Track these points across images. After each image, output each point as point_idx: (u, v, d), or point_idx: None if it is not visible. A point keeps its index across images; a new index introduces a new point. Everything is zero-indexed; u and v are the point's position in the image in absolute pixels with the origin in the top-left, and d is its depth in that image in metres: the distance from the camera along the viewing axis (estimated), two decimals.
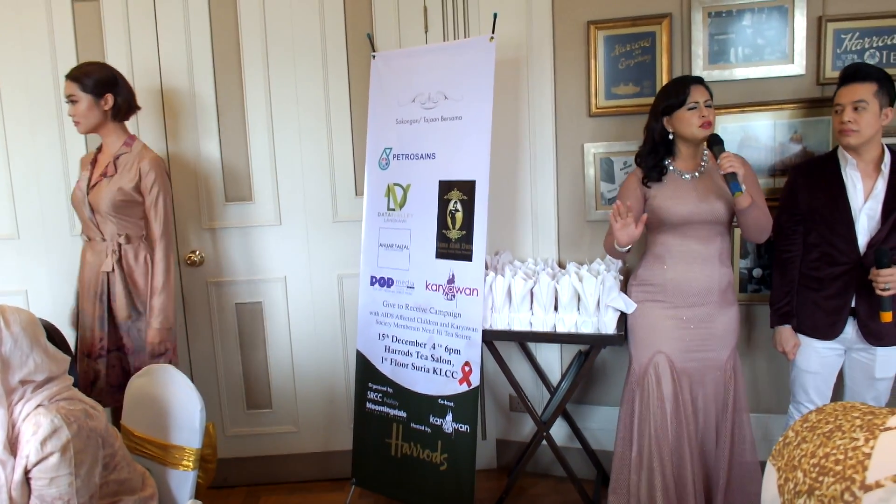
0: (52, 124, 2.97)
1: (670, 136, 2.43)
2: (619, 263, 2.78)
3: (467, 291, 2.62)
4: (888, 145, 2.34)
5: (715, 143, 2.35)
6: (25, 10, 2.92)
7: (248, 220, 3.10)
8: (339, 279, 3.15)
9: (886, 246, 2.27)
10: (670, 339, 2.43)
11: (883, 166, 2.30)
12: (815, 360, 2.45)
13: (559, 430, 3.03)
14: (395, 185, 2.82)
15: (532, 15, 2.90)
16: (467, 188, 2.62)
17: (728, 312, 2.47)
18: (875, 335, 2.34)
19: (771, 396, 2.92)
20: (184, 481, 2.02)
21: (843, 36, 2.63)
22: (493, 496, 2.97)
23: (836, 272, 2.37)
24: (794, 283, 2.48)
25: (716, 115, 2.44)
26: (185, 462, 2.01)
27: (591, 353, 2.62)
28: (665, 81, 2.76)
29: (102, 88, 2.56)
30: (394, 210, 2.82)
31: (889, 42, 2.60)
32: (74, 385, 1.77)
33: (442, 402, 2.70)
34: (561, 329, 2.58)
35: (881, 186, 2.30)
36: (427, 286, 2.72)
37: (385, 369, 2.85)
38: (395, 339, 2.83)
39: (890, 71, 2.34)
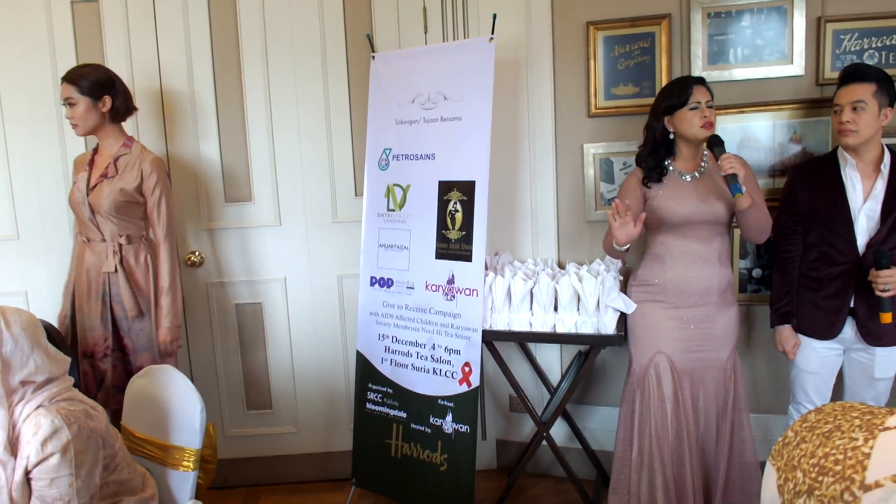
0: (52, 125, 2.97)
1: (671, 136, 2.43)
2: (619, 264, 2.78)
3: (467, 292, 2.63)
4: (888, 145, 2.34)
5: (716, 144, 2.35)
6: (25, 11, 2.92)
7: (247, 221, 3.11)
8: (338, 280, 3.15)
9: (885, 246, 2.27)
10: (671, 340, 2.43)
11: (882, 167, 2.30)
12: (815, 359, 2.46)
13: (559, 431, 3.04)
14: (394, 185, 2.82)
15: (531, 15, 2.90)
16: (467, 189, 2.62)
17: (728, 312, 2.47)
18: (874, 335, 2.34)
19: (771, 396, 2.93)
20: (184, 482, 2.02)
21: (842, 36, 2.63)
22: (493, 496, 2.97)
23: (835, 272, 2.37)
24: (793, 283, 2.49)
25: (716, 116, 2.44)
26: (185, 463, 2.01)
27: (590, 353, 2.62)
28: (664, 82, 2.76)
29: (100, 90, 2.56)
30: (393, 210, 2.82)
31: (888, 42, 2.61)
32: (75, 386, 1.77)
33: (442, 402, 2.70)
34: (561, 329, 2.58)
35: (881, 187, 2.30)
36: (427, 287, 2.72)
37: (385, 370, 2.85)
38: (394, 339, 2.83)
39: (889, 71, 2.34)
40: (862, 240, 2.32)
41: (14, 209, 3.04)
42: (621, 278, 2.63)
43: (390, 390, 2.83)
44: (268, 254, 3.12)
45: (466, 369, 2.63)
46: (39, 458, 1.56)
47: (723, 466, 2.46)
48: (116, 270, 2.60)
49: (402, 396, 2.80)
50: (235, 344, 3.18)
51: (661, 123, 2.42)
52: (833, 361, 2.46)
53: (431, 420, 2.72)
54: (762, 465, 1.46)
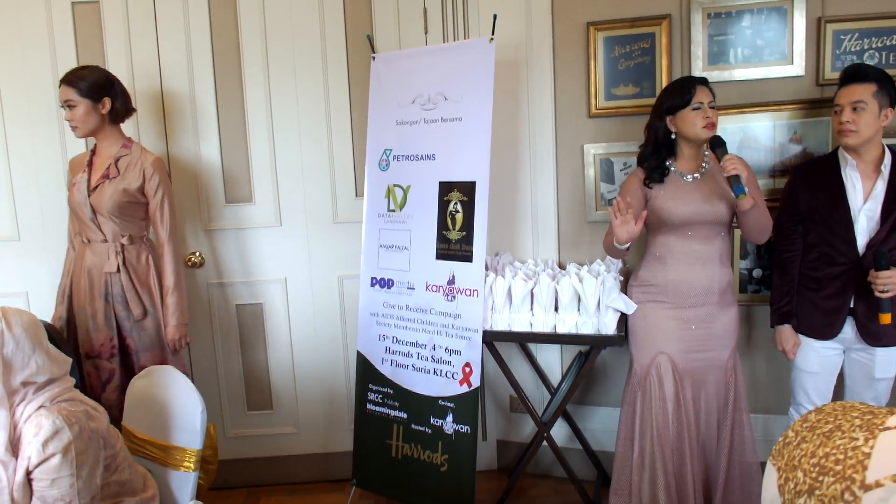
0: (52, 126, 2.98)
1: (673, 136, 2.43)
2: (619, 264, 2.78)
3: (468, 292, 2.63)
4: (889, 146, 2.34)
5: (718, 145, 2.35)
6: (25, 12, 2.92)
7: (248, 222, 3.11)
8: (339, 280, 3.15)
9: (885, 247, 2.27)
10: (672, 340, 2.43)
11: (883, 167, 2.30)
12: (815, 360, 2.46)
13: (559, 431, 3.04)
14: (395, 186, 2.82)
15: (531, 16, 2.90)
16: (467, 189, 2.62)
17: (728, 312, 2.47)
18: (873, 336, 2.34)
19: (771, 396, 2.93)
20: (185, 482, 2.02)
21: (842, 37, 2.64)
22: (493, 497, 2.97)
23: (835, 272, 2.37)
24: (793, 283, 2.49)
25: (718, 117, 2.44)
26: (186, 463, 2.01)
27: (591, 353, 2.62)
28: (665, 82, 2.76)
29: (99, 92, 2.57)
30: (394, 211, 2.83)
31: (888, 43, 2.61)
32: (77, 387, 1.77)
33: (442, 402, 2.70)
34: (561, 330, 2.58)
35: (881, 187, 2.30)
36: (427, 287, 2.73)
37: (385, 370, 2.85)
38: (395, 340, 2.83)
39: (889, 71, 2.34)
40: (862, 240, 2.32)
41: (14, 210, 3.04)
42: (622, 279, 2.63)
43: (391, 391, 2.83)
44: (268, 254, 3.12)
45: (467, 370, 2.63)
46: (41, 459, 1.56)
47: (723, 466, 2.46)
48: (119, 270, 2.60)
49: (403, 397, 2.80)
50: (236, 344, 3.19)
51: (664, 123, 2.42)
52: (833, 361, 2.46)
53: (432, 420, 2.72)
54: (763, 465, 1.46)
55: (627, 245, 2.36)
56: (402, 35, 2.99)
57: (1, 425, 1.59)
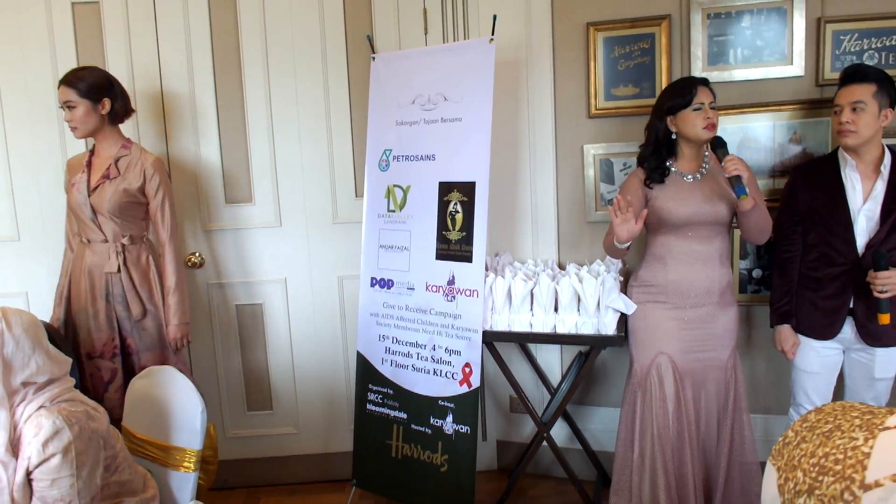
0: (52, 126, 2.98)
1: (673, 137, 2.43)
2: (619, 264, 2.78)
3: (467, 293, 2.63)
4: (889, 146, 2.34)
5: (719, 146, 2.35)
6: (25, 12, 2.92)
7: (247, 222, 3.11)
8: (339, 280, 3.15)
9: (885, 247, 2.27)
10: (672, 340, 2.43)
11: (882, 168, 2.30)
12: (815, 360, 2.46)
13: (559, 431, 3.04)
14: (395, 186, 2.83)
15: (531, 16, 2.90)
16: (467, 189, 2.63)
17: (728, 312, 2.48)
18: (873, 336, 2.34)
19: (771, 397, 2.93)
20: (185, 483, 2.02)
21: (841, 37, 2.64)
22: (493, 497, 2.97)
23: (835, 273, 2.37)
24: (793, 283, 2.49)
25: (718, 117, 2.44)
26: (186, 463, 2.01)
27: (591, 353, 2.62)
28: (664, 83, 2.76)
29: (99, 93, 2.57)
30: (394, 211, 2.83)
31: (888, 43, 2.61)
32: (79, 387, 1.77)
33: (442, 403, 2.70)
34: (561, 330, 2.58)
35: (880, 188, 2.30)
36: (427, 287, 2.73)
37: (385, 370, 2.85)
38: (395, 340, 2.83)
39: (889, 72, 2.34)
40: (861, 240, 2.32)
41: (14, 210, 3.04)
42: (621, 279, 2.63)
43: (391, 391, 2.84)
44: (268, 255, 3.13)
45: (467, 370, 2.63)
46: (41, 459, 1.56)
47: (723, 466, 2.46)
48: (119, 270, 2.61)
49: (403, 397, 2.80)
50: (236, 345, 3.19)
51: (664, 124, 2.42)
52: (833, 361, 2.46)
53: (432, 421, 2.72)
54: (762, 465, 1.46)
55: (628, 244, 2.36)
56: (402, 35, 3.00)
57: (1, 425, 1.59)
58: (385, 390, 2.85)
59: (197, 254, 3.08)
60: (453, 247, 2.66)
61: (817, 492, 0.79)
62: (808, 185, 2.43)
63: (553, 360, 3.13)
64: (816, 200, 2.40)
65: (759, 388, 2.93)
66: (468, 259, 2.62)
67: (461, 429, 2.65)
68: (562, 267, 2.98)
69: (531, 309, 2.61)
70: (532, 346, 3.12)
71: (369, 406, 2.90)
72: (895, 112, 2.29)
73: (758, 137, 2.76)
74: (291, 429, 3.26)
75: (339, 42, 3.01)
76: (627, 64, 2.85)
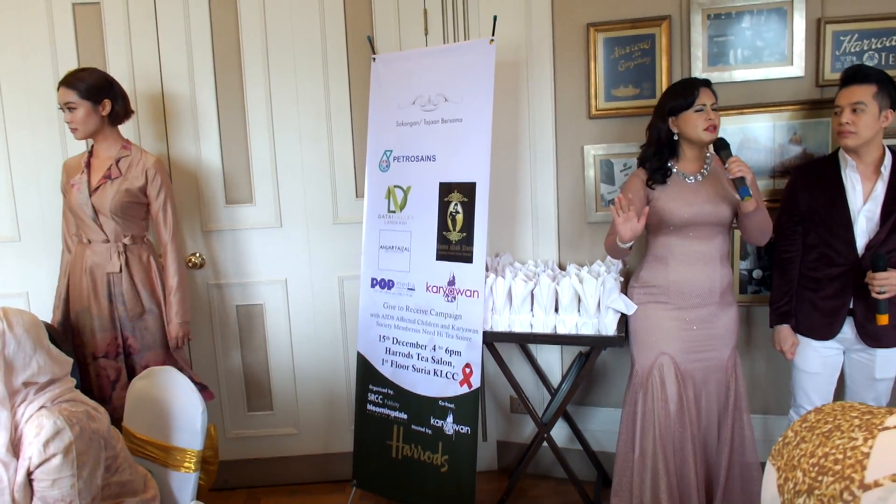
0: (53, 127, 2.98)
1: (675, 138, 2.43)
2: (619, 265, 2.78)
3: (468, 293, 2.63)
4: (889, 147, 2.34)
5: (722, 147, 2.34)
6: (26, 12, 2.92)
7: (248, 223, 3.11)
8: (339, 281, 3.15)
9: (885, 248, 2.27)
10: (674, 341, 2.44)
11: (883, 168, 2.30)
12: (816, 360, 2.46)
13: (560, 432, 3.04)
14: (395, 187, 2.83)
15: (532, 17, 2.91)
16: (467, 190, 2.63)
17: (728, 312, 2.48)
18: (872, 336, 2.34)
19: (771, 397, 2.93)
20: (185, 483, 2.02)
21: (841, 38, 2.64)
22: (493, 498, 2.97)
23: (834, 273, 2.37)
24: (793, 283, 2.49)
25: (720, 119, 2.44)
26: (186, 464, 2.01)
27: (591, 354, 2.62)
28: (665, 84, 2.77)
29: (99, 94, 2.57)
30: (394, 212, 2.83)
31: (888, 44, 2.61)
32: (86, 388, 1.78)
33: (442, 403, 2.70)
34: (561, 330, 2.58)
35: (880, 188, 2.30)
36: (427, 288, 2.73)
37: (386, 371, 2.85)
38: (395, 340, 2.83)
39: (889, 72, 2.33)
40: (861, 241, 2.32)
41: (15, 211, 3.04)
42: (622, 279, 2.63)
43: (391, 391, 2.84)
44: (268, 255, 3.13)
45: (467, 370, 2.64)
46: (42, 459, 1.57)
47: (724, 466, 2.46)
48: (121, 270, 2.61)
49: (403, 398, 2.80)
50: (236, 345, 3.19)
51: (666, 125, 2.42)
52: (834, 362, 2.46)
53: (432, 421, 2.73)
54: (763, 465, 1.46)
55: (630, 244, 2.36)
56: (403, 36, 3.00)
57: (2, 426, 1.60)
58: (385, 391, 2.85)
59: (197, 254, 3.08)
60: (454, 247, 2.66)
61: (817, 492, 0.79)
62: (809, 186, 2.43)
63: (553, 361, 3.13)
64: (816, 201, 2.40)
65: (759, 389, 2.93)
66: (468, 259, 2.63)
67: (461, 429, 2.65)
68: (562, 267, 2.98)
69: (531, 309, 2.61)
70: (532, 347, 3.12)
71: (369, 406, 2.90)
72: (895, 113, 2.29)
73: (758, 138, 2.76)
74: (292, 429, 3.26)
75: (339, 43, 3.01)
76: (628, 65, 2.85)
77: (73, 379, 1.77)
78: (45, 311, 2.82)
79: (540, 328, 2.60)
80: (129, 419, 2.16)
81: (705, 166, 2.46)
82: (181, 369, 2.63)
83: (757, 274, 2.84)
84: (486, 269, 2.67)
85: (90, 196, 2.60)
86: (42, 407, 1.63)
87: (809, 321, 2.45)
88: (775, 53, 2.71)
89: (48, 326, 2.37)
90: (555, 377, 3.12)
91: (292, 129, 3.06)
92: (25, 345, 1.63)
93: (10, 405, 1.61)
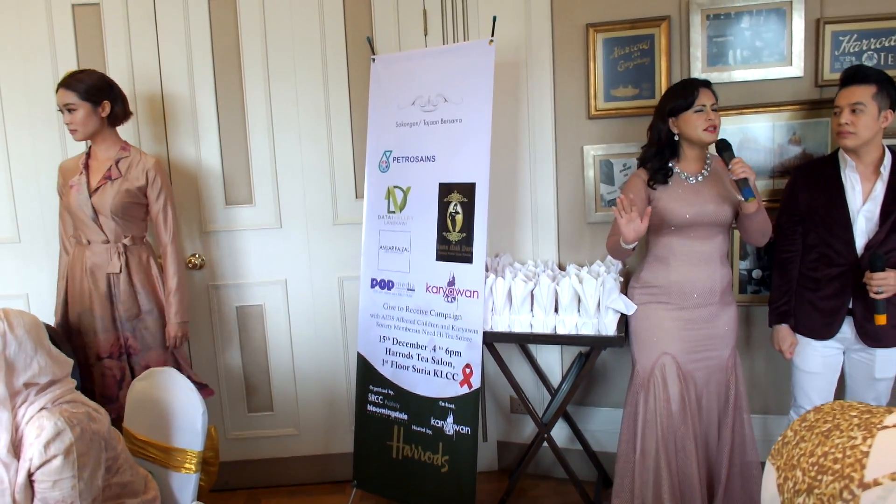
0: (52, 128, 2.98)
1: (675, 138, 2.43)
2: (619, 265, 2.78)
3: (468, 293, 2.63)
4: (889, 147, 2.35)
5: (725, 148, 2.34)
6: (26, 14, 2.93)
7: (248, 224, 3.11)
8: (339, 282, 3.15)
9: (884, 248, 2.28)
10: (675, 341, 2.44)
11: (882, 169, 2.30)
12: (816, 360, 2.46)
13: (560, 432, 3.04)
14: (395, 187, 2.83)
15: (531, 18, 2.91)
16: (467, 190, 2.63)
17: (728, 311, 2.49)
18: (872, 336, 2.34)
19: (771, 397, 2.93)
20: (186, 484, 2.03)
21: (840, 38, 2.64)
22: (494, 498, 2.97)
23: (834, 273, 2.38)
24: (792, 283, 2.49)
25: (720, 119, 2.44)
26: (187, 465, 2.01)
27: (591, 354, 2.62)
28: (664, 84, 2.77)
29: (99, 95, 2.57)
30: (394, 212, 2.83)
31: (887, 44, 2.61)
32: (80, 388, 1.78)
33: (443, 404, 2.70)
34: (561, 331, 2.58)
35: (880, 189, 2.30)
36: (427, 288, 2.73)
37: (386, 371, 2.85)
38: (395, 341, 2.83)
39: (889, 73, 2.33)
40: (861, 241, 2.33)
41: (15, 212, 3.04)
42: (622, 280, 2.63)
43: (391, 392, 2.84)
44: (268, 256, 3.13)
45: (467, 371, 2.64)
46: (42, 461, 1.57)
47: (725, 465, 2.47)
48: (121, 271, 2.62)
49: (403, 398, 2.80)
50: (236, 346, 3.19)
51: (666, 125, 2.42)
52: (834, 361, 2.46)
53: (432, 422, 2.73)
54: (763, 465, 1.46)
55: (634, 245, 2.35)
56: (402, 37, 3.00)
57: (3, 427, 1.60)
58: (385, 391, 2.85)
59: (197, 255, 3.09)
60: (453, 248, 2.67)
61: (816, 491, 0.79)
62: (808, 186, 2.43)
63: (553, 361, 3.13)
64: (816, 201, 2.40)
65: (758, 389, 2.93)
66: (468, 260, 2.63)
67: (462, 429, 2.65)
68: (562, 268, 2.98)
69: (531, 310, 2.61)
70: (532, 347, 3.12)
71: (370, 407, 2.90)
72: (895, 114, 2.29)
73: (757, 138, 2.76)
74: (292, 430, 3.26)
75: (339, 43, 3.01)
76: (627, 65, 2.85)
77: (74, 380, 1.77)
78: (46, 312, 2.82)
79: (540, 328, 2.60)
80: (129, 420, 2.16)
81: (706, 166, 2.46)
82: (181, 368, 2.64)
83: (756, 274, 2.84)
84: (486, 270, 2.67)
85: (90, 197, 2.60)
86: (43, 408, 1.63)
87: (809, 321, 2.45)
88: (774, 54, 2.71)
89: (48, 328, 2.37)
90: (555, 377, 3.12)
91: (292, 129, 3.06)
92: (26, 346, 1.63)
93: (11, 406, 1.61)
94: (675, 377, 2.42)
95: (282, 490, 3.24)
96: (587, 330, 2.55)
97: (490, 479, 3.20)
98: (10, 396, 1.61)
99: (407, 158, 2.79)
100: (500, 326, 2.64)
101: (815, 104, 2.69)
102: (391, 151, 2.84)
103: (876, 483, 0.74)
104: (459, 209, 2.65)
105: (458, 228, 2.65)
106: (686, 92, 2.37)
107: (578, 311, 2.57)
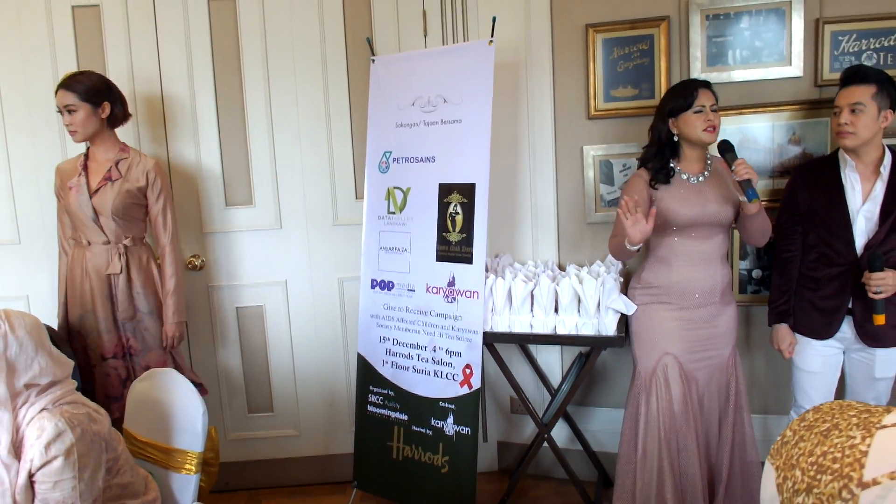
0: (53, 129, 2.98)
1: (675, 138, 2.44)
2: (619, 265, 2.78)
3: (468, 294, 2.63)
4: (890, 146, 2.34)
5: (727, 149, 2.34)
6: (26, 15, 2.93)
7: (248, 224, 3.11)
8: (339, 282, 3.15)
9: (883, 248, 2.28)
10: (677, 341, 2.44)
11: (882, 168, 2.30)
12: (816, 360, 2.46)
13: (560, 432, 3.04)
14: (395, 188, 2.83)
15: (531, 18, 2.91)
16: (467, 191, 2.63)
17: (728, 311, 2.49)
18: (871, 336, 2.34)
19: (770, 396, 2.93)
20: (186, 485, 2.03)
21: (840, 38, 2.64)
22: (494, 498, 2.97)
23: (833, 273, 2.38)
24: (792, 283, 2.49)
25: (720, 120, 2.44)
26: (187, 466, 2.02)
27: (591, 354, 2.62)
28: (664, 84, 2.77)
29: (99, 96, 2.58)
30: (394, 213, 2.83)
31: (886, 44, 2.61)
32: (81, 389, 1.78)
33: (443, 404, 2.70)
34: (561, 331, 2.59)
35: (879, 189, 2.30)
36: (427, 289, 2.73)
37: (386, 372, 2.85)
38: (395, 341, 2.83)
39: (888, 72, 2.33)
40: (860, 241, 2.33)
41: (15, 213, 3.04)
42: (621, 280, 2.63)
43: (391, 392, 2.84)
44: (268, 257, 3.13)
45: (467, 371, 2.64)
46: (43, 462, 1.57)
47: (726, 464, 2.47)
48: (122, 272, 2.62)
49: (403, 399, 2.81)
50: (236, 347, 3.19)
51: (666, 126, 2.42)
52: (834, 361, 2.46)
53: (433, 422, 2.73)
54: (763, 465, 1.46)
55: (639, 246, 2.35)
56: (402, 37, 3.00)
57: (3, 428, 1.60)
58: (386, 392, 2.85)
59: (198, 256, 3.09)
60: (453, 248, 2.67)
61: (815, 490, 0.79)
62: (808, 186, 2.43)
63: (553, 361, 3.13)
64: (816, 201, 2.40)
65: (758, 388, 2.93)
66: (468, 260, 2.63)
67: (462, 430, 2.65)
68: (562, 268, 2.98)
69: (531, 310, 2.62)
70: (532, 347, 3.12)
71: (370, 408, 2.90)
72: (895, 114, 2.29)
73: (757, 138, 2.76)
74: (292, 431, 3.26)
75: (338, 44, 3.01)
76: (627, 65, 2.85)
77: (75, 381, 1.77)
78: (46, 313, 2.82)
79: (540, 329, 2.61)
80: (129, 421, 2.16)
81: (707, 167, 2.46)
82: (179, 368, 2.65)
83: (756, 274, 2.85)
84: (486, 270, 2.67)
85: (90, 198, 2.60)
86: (43, 409, 1.63)
87: (809, 321, 2.46)
88: (774, 54, 2.71)
89: (49, 329, 2.37)
90: (555, 377, 3.12)
91: (292, 130, 3.06)
92: (27, 346, 1.63)
93: (12, 407, 1.62)
94: (678, 377, 2.42)
95: (282, 491, 3.24)
96: (587, 330, 2.55)
97: (490, 479, 3.20)
98: (11, 397, 1.61)
99: (407, 159, 2.80)
100: (500, 327, 2.64)
101: (815, 104, 2.69)
102: (391, 152, 2.84)
103: (875, 482, 0.74)
104: (459, 210, 2.65)
105: (458, 229, 2.66)
106: (686, 92, 2.37)
107: (578, 311, 2.57)
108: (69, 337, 2.69)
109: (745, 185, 2.25)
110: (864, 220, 2.32)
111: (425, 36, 3.00)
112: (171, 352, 2.74)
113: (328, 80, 3.03)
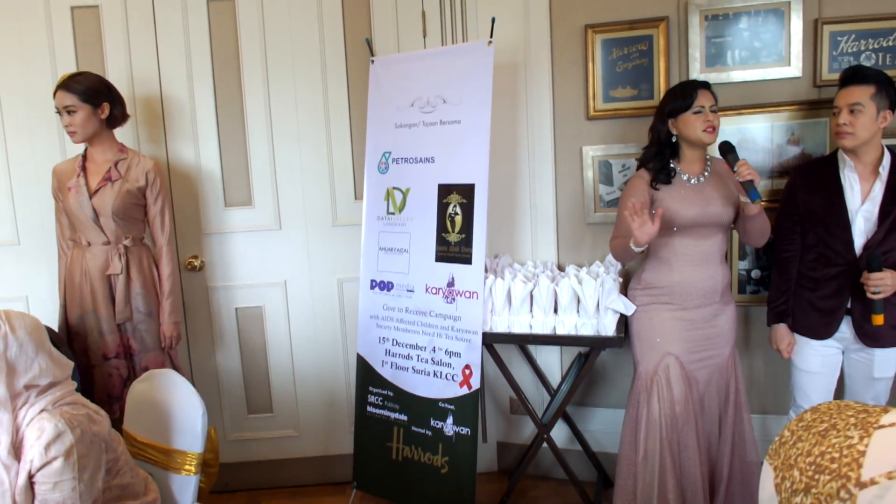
0: (52, 130, 2.98)
1: (674, 139, 2.44)
2: (619, 266, 2.78)
3: (467, 294, 2.63)
4: (889, 147, 2.35)
5: (728, 151, 2.34)
6: (25, 16, 2.93)
7: (247, 225, 3.11)
8: (339, 283, 3.15)
9: (882, 248, 2.28)
10: (678, 341, 2.44)
11: (881, 169, 2.31)
12: (815, 360, 2.46)
13: (559, 433, 3.04)
14: (394, 188, 2.83)
15: (530, 19, 2.91)
16: (466, 191, 2.63)
17: (728, 311, 2.50)
18: (870, 336, 2.34)
19: (770, 397, 2.93)
20: (186, 486, 2.03)
21: (839, 38, 2.64)
22: (494, 499, 2.97)
23: (832, 273, 2.38)
24: (791, 283, 2.50)
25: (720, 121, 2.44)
26: (187, 467, 2.02)
27: (590, 354, 2.62)
28: (663, 85, 2.77)
29: (98, 97, 2.58)
30: (393, 214, 2.83)
31: (885, 44, 2.62)
32: (80, 390, 1.78)
33: (442, 405, 2.70)
34: (561, 331, 2.59)
35: (878, 189, 2.31)
36: (427, 289, 2.73)
37: (385, 373, 2.85)
38: (395, 342, 2.83)
39: (887, 73, 2.34)
40: (859, 241, 2.33)
41: (14, 214, 3.04)
42: (621, 280, 2.63)
43: (391, 393, 2.84)
44: (268, 258, 3.13)
45: (467, 372, 2.64)
46: (43, 462, 1.57)
47: (726, 464, 2.47)
48: (122, 272, 2.62)
49: (403, 399, 2.81)
50: (236, 348, 3.19)
51: (666, 126, 2.43)
52: (833, 361, 2.46)
53: (432, 423, 2.73)
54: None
55: (644, 248, 2.33)
56: (401, 38, 3.00)
57: (3, 429, 1.60)
58: (385, 392, 2.85)
59: (197, 257, 3.09)
60: (453, 249, 2.67)
61: (814, 490, 0.80)
62: (807, 186, 2.43)
63: (553, 362, 3.14)
64: (815, 201, 2.40)
65: (758, 388, 2.93)
66: (468, 261, 2.63)
67: (461, 430, 2.66)
68: (561, 268, 2.98)
69: (531, 310, 2.62)
70: (532, 348, 3.12)
71: (369, 408, 2.90)
72: (895, 114, 2.29)
73: (756, 138, 2.76)
74: (292, 431, 3.26)
75: (337, 45, 3.02)
76: (626, 66, 2.86)
77: (74, 382, 1.77)
78: (45, 314, 2.82)
79: (539, 329, 2.61)
80: (129, 422, 2.16)
81: (707, 167, 2.47)
82: (176, 368, 2.65)
83: (755, 274, 2.85)
84: (486, 271, 2.67)
85: (90, 198, 2.61)
86: (43, 410, 1.63)
87: (808, 321, 2.46)
88: (773, 54, 2.72)
89: (48, 330, 2.37)
90: (554, 378, 3.13)
91: (291, 131, 3.06)
92: (27, 347, 1.63)
93: (12, 408, 1.62)
94: (680, 378, 2.42)
95: (282, 492, 3.24)
96: (586, 330, 2.55)
97: (490, 479, 3.20)
98: (11, 398, 1.61)
99: (406, 160, 2.80)
100: (500, 327, 2.64)
101: (814, 104, 2.69)
102: (390, 153, 2.84)
103: (873, 482, 0.74)
104: (458, 210, 2.65)
105: (457, 229, 2.66)
106: (685, 93, 2.37)
107: (578, 311, 2.57)
108: (69, 338, 2.70)
109: (748, 187, 2.25)
110: (862, 220, 2.32)
111: (424, 37, 3.00)
112: (168, 352, 2.74)
113: (327, 80, 3.04)
